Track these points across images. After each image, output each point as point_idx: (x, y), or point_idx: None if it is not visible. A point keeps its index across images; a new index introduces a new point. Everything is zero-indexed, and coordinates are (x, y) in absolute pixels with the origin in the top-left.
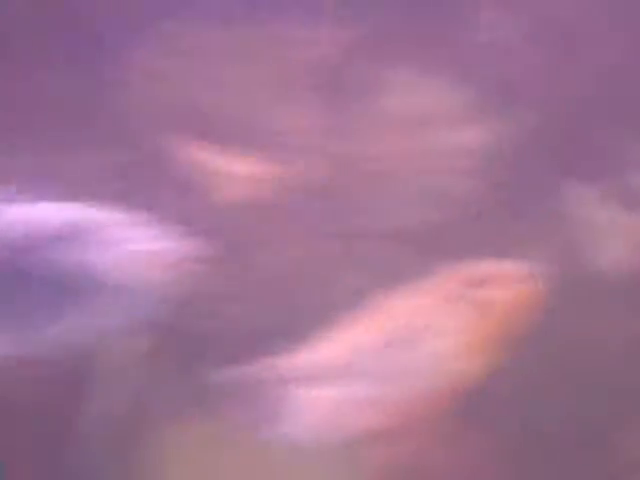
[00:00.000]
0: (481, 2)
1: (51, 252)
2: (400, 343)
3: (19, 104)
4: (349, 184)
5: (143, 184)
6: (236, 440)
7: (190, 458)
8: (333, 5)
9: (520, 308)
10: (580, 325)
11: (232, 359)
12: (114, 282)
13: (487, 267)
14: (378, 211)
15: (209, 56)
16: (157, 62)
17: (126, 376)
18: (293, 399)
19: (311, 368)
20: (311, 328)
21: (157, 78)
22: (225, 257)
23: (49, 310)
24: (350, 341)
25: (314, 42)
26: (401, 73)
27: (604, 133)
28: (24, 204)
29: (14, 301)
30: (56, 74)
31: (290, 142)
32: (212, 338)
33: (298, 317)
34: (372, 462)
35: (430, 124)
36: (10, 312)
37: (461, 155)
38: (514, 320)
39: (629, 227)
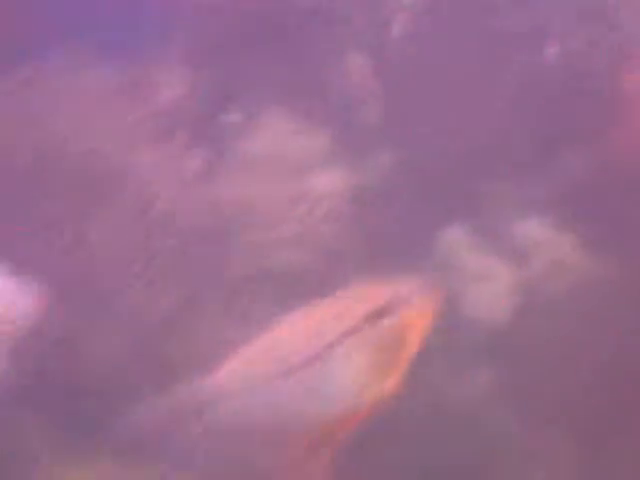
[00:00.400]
0: (340, 48)
1: None
2: (295, 370)
3: None
4: (216, 228)
5: None
6: None
7: None
8: (196, 50)
9: (412, 333)
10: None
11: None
12: None
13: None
14: (247, 255)
15: (69, 101)
16: (16, 105)
17: None
18: (193, 431)
19: (206, 400)
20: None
21: (17, 114)
22: (85, 303)
23: None
24: (246, 369)
25: (174, 85)
26: (266, 117)
27: (469, 176)
28: None
29: None
30: None
31: (156, 186)
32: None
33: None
34: None
35: (295, 168)
36: None
37: (328, 199)
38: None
39: (497, 272)
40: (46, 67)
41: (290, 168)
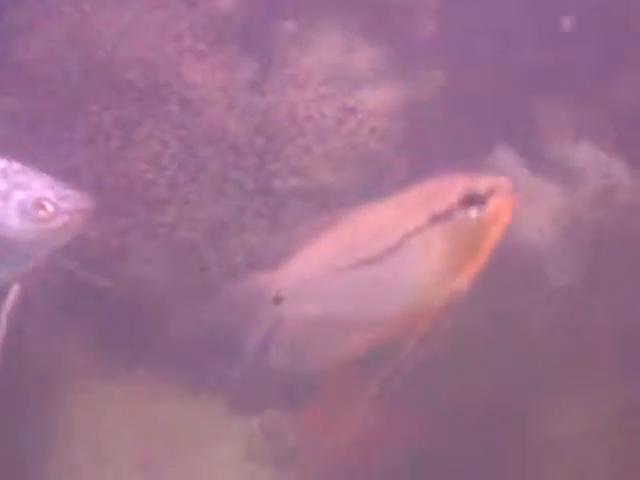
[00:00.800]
0: None
1: None
2: (368, 263)
3: None
4: (262, 140)
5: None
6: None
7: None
8: None
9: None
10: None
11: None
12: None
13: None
14: (294, 167)
15: (119, 8)
16: (66, 8)
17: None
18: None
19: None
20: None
21: (66, 24)
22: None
23: None
24: (323, 261)
25: None
26: (319, 30)
27: (522, 97)
28: None
29: None
30: None
31: (204, 95)
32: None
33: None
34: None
35: (346, 82)
36: None
37: (375, 115)
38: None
39: (544, 196)
40: None
41: (341, 82)
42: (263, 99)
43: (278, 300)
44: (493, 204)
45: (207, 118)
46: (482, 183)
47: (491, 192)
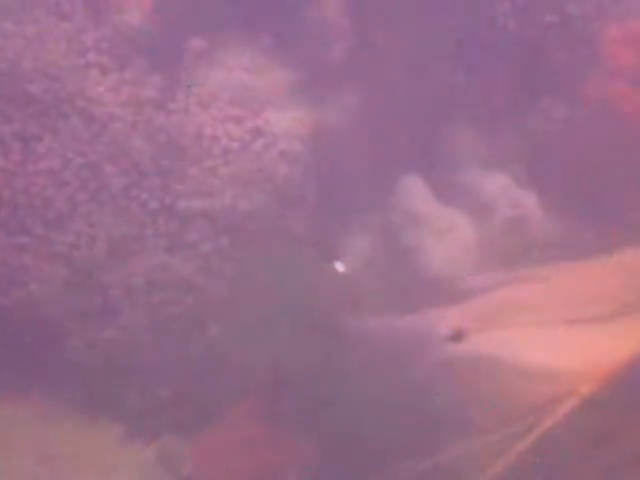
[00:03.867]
0: None
1: None
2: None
3: None
4: (167, 160)
5: None
6: None
7: None
8: None
9: None
10: None
11: None
12: None
13: None
14: (199, 187)
15: (25, 18)
16: None
17: None
18: None
19: None
20: None
21: None
22: None
23: None
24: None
25: (135, 9)
26: (230, 49)
27: (434, 125)
28: None
29: None
30: None
31: (110, 110)
32: None
33: None
34: None
35: (255, 103)
36: None
37: (283, 138)
38: None
39: (457, 225)
40: None
41: (249, 104)
42: (169, 118)
43: (458, 337)
44: None
45: (111, 135)
46: None
47: None
